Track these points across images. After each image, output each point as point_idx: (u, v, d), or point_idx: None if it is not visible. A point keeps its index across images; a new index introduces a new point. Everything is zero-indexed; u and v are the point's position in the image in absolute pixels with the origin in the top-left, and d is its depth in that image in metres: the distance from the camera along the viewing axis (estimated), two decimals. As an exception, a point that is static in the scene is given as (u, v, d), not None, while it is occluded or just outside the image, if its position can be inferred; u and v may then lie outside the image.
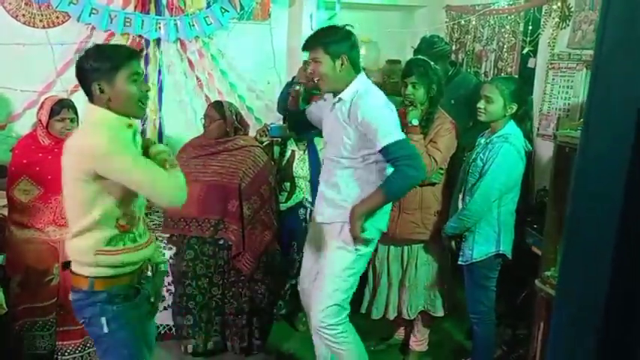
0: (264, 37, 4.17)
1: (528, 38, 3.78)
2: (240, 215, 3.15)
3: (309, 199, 3.47)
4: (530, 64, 3.83)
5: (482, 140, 2.87)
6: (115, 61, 1.91)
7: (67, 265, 2.11)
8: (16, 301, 2.89)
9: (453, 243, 2.93)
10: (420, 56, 3.18)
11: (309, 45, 2.49)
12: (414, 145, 2.56)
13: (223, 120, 3.21)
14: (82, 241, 1.98)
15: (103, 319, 2.00)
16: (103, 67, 1.89)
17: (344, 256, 2.55)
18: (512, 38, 4.01)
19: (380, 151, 2.40)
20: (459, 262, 2.88)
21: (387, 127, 2.40)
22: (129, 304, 2.05)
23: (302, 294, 2.89)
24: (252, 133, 3.49)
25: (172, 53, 4.04)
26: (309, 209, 3.44)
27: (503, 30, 4.13)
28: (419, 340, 3.29)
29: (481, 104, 2.80)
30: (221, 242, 3.17)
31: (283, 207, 3.47)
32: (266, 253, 3.25)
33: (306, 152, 3.53)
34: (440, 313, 3.15)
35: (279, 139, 3.50)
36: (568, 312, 1.00)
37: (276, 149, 3.56)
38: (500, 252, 2.80)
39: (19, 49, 3.62)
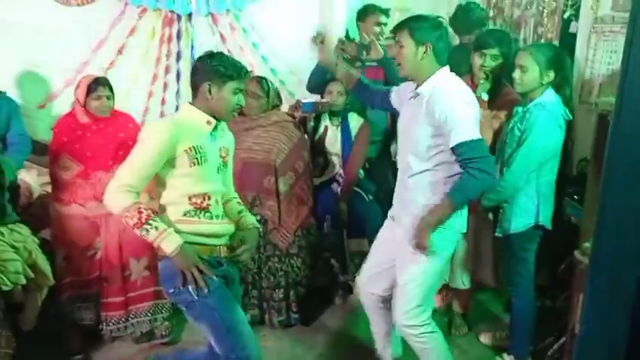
0: (296, 8, 4.16)
1: (570, 2, 3.70)
2: (276, 191, 3.22)
3: (342, 174, 3.53)
4: (572, 28, 3.74)
5: (520, 109, 2.82)
6: (231, 72, 2.24)
7: None
8: (61, 274, 3.04)
9: (490, 215, 2.94)
10: (498, 28, 3.15)
11: (397, 28, 2.47)
12: (487, 147, 2.44)
13: (266, 96, 3.26)
14: (164, 213, 2.26)
15: (189, 287, 2.19)
16: (220, 73, 2.23)
17: (421, 260, 2.47)
18: (553, 2, 3.92)
19: (452, 149, 2.34)
20: (496, 234, 2.89)
21: (464, 125, 2.31)
22: (214, 270, 2.25)
23: (360, 285, 2.83)
24: (284, 107, 3.54)
25: (204, 27, 4.07)
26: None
27: (543, -7, 4.06)
28: (460, 305, 3.38)
29: (516, 74, 2.75)
30: (257, 217, 3.22)
31: (316, 182, 3.53)
32: (301, 228, 3.32)
33: (339, 128, 3.57)
34: (491, 284, 3.20)
35: (312, 115, 3.54)
36: (601, 280, 1.02)
37: (309, 125, 3.61)
38: (540, 224, 2.80)
39: (55, 28, 3.70)
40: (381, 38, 3.78)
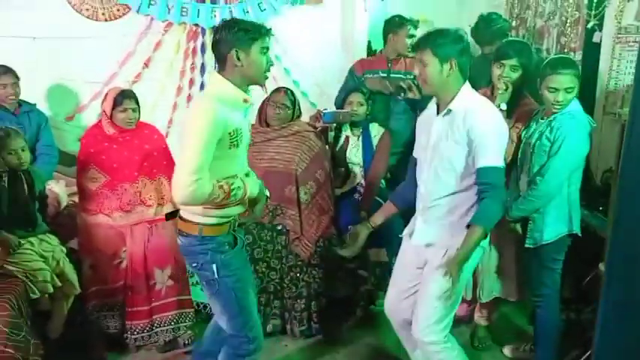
0: (317, 20, 4.22)
1: (593, 12, 3.66)
2: (297, 200, 3.25)
3: (364, 184, 3.55)
4: (596, 38, 3.72)
5: (540, 118, 2.84)
6: (253, 33, 2.19)
7: (170, 215, 2.58)
8: (87, 283, 3.11)
9: (518, 226, 2.93)
10: (519, 39, 3.16)
11: (418, 46, 2.42)
12: (504, 178, 2.45)
13: (292, 108, 3.32)
14: None
15: (214, 266, 2.28)
16: (243, 37, 2.17)
17: (445, 279, 2.44)
18: (576, 12, 3.89)
19: (477, 170, 2.34)
20: (527, 245, 2.87)
21: (494, 150, 2.33)
22: (233, 251, 2.36)
23: (388, 312, 2.80)
24: (305, 117, 3.58)
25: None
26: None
27: (566, 4, 4.01)
28: (482, 315, 3.36)
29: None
30: (279, 227, 3.26)
31: (338, 192, 3.55)
32: (323, 238, 3.34)
33: (361, 138, 3.60)
34: (514, 297, 3.18)
35: (334, 125, 3.57)
36: (617, 292, 1.03)
37: (331, 135, 3.63)
38: (573, 232, 2.81)
39: (84, 42, 3.84)
40: (410, 50, 3.77)
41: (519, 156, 2.93)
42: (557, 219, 2.78)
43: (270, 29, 2.29)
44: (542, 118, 2.85)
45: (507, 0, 4.54)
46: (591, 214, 3.17)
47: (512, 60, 2.92)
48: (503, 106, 2.87)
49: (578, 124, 2.70)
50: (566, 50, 4.01)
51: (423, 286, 2.55)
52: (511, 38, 3.24)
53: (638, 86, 1.03)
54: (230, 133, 2.19)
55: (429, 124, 2.52)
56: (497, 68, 2.96)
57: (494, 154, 2.33)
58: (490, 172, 2.32)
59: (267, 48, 2.25)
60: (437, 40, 2.36)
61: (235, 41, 2.18)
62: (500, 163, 2.33)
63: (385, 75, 3.84)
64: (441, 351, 2.54)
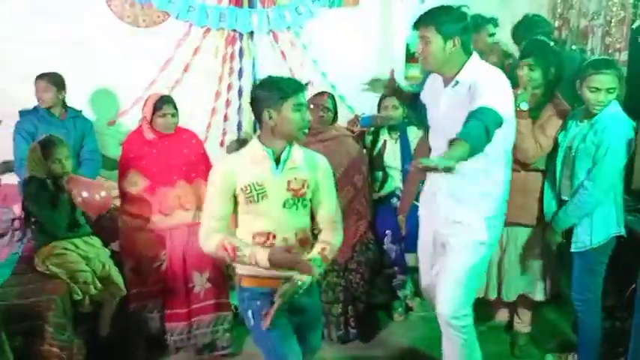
0: (355, 23, 4.21)
1: (639, 11, 3.57)
2: (335, 205, 3.26)
3: (402, 188, 3.53)
4: (643, 38, 3.62)
5: (579, 122, 2.83)
6: (284, 92, 2.18)
7: None
8: (128, 285, 3.17)
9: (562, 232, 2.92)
10: (540, 37, 3.14)
11: (421, 22, 2.40)
12: (496, 126, 2.25)
13: (334, 111, 3.35)
14: None
15: (250, 313, 2.29)
16: (273, 96, 2.17)
17: (473, 251, 2.51)
18: (621, 11, 3.81)
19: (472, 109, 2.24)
20: (574, 250, 2.83)
21: (491, 93, 2.25)
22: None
23: (425, 292, 2.90)
24: (342, 121, 3.58)
25: (265, 45, 4.19)
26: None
27: (610, 3, 3.92)
28: (522, 322, 3.31)
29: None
30: (315, 232, 3.27)
31: (375, 196, 3.54)
32: (360, 243, 3.34)
33: (398, 142, 3.57)
34: (540, 297, 3.15)
35: (371, 129, 3.56)
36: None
37: (368, 139, 3.63)
38: (620, 233, 2.80)
39: (125, 49, 3.92)
40: (492, 51, 3.76)
41: (559, 160, 2.90)
42: (607, 221, 2.77)
43: (306, 84, 2.28)
44: (580, 121, 2.83)
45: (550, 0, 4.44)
46: (635, 218, 3.10)
47: (529, 59, 2.91)
48: (524, 106, 2.84)
49: (623, 126, 2.70)
50: (610, 50, 3.91)
51: (446, 260, 2.58)
52: (533, 38, 3.19)
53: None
54: (242, 189, 2.20)
55: (437, 96, 2.54)
56: (519, 69, 2.95)
57: (492, 97, 2.23)
58: (483, 109, 2.18)
59: (302, 104, 2.21)
60: (441, 18, 2.35)
61: (266, 101, 2.18)
62: (497, 108, 2.19)
63: None
64: (465, 327, 2.56)
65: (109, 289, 3.05)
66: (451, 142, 2.12)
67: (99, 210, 3.04)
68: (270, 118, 2.18)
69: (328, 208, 2.38)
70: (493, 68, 2.49)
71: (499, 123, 2.20)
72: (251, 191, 2.20)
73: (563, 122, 2.92)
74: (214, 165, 2.32)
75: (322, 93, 3.41)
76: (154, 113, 3.16)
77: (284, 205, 2.24)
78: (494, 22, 3.80)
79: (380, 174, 3.62)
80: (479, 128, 2.13)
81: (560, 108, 2.96)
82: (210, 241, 2.23)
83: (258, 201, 2.20)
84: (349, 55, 4.15)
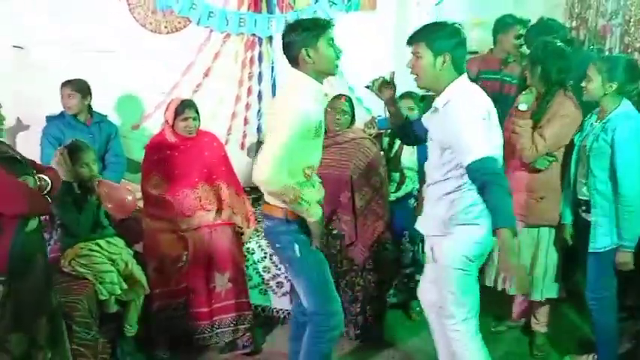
0: (372, 26, 4.22)
1: (658, 10, 3.53)
2: (353, 206, 3.26)
3: (419, 189, 3.53)
4: (662, 37, 3.57)
5: (594, 121, 2.84)
6: (317, 29, 2.32)
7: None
8: (152, 285, 3.22)
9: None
10: (546, 38, 3.13)
11: (413, 38, 2.41)
12: (500, 164, 2.32)
13: (351, 113, 3.39)
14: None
15: (297, 246, 2.43)
16: (309, 35, 2.31)
17: (454, 274, 2.45)
18: (640, 10, 3.79)
19: (466, 169, 2.24)
20: (592, 250, 2.81)
21: (475, 142, 2.21)
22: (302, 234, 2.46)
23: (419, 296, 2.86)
24: (359, 122, 3.58)
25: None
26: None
27: (629, 2, 3.90)
28: (540, 322, 3.29)
29: (583, 82, 2.82)
30: (334, 232, 3.28)
31: (392, 197, 3.54)
32: (378, 243, 3.33)
33: (415, 144, 3.58)
34: (554, 294, 3.14)
35: (388, 131, 3.57)
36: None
37: (385, 140, 3.63)
38: None
39: (148, 54, 3.99)
40: (519, 52, 3.79)
41: (573, 160, 2.91)
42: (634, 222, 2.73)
43: (331, 20, 2.41)
44: (596, 120, 2.84)
45: (568, 0, 4.40)
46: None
47: (532, 61, 2.96)
48: (522, 107, 2.89)
49: (633, 124, 2.71)
50: (630, 50, 3.87)
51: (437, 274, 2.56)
52: (539, 40, 3.17)
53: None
54: (315, 127, 2.35)
55: (426, 120, 2.59)
56: (526, 71, 3.01)
57: (475, 146, 2.21)
58: (480, 164, 2.18)
59: (333, 39, 2.37)
60: (432, 34, 2.35)
61: (303, 41, 2.31)
62: (486, 152, 2.18)
63: (498, 76, 3.82)
64: (456, 326, 2.50)
65: (133, 288, 3.11)
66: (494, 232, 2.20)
67: (126, 213, 3.10)
68: (309, 56, 2.32)
69: None
70: (467, 94, 2.38)
71: (496, 160, 2.25)
72: (319, 127, 2.38)
73: (570, 121, 2.91)
74: (289, 104, 2.33)
75: (340, 96, 3.42)
76: (175, 117, 3.21)
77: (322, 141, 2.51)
78: (524, 23, 3.78)
79: (397, 175, 3.62)
80: (501, 202, 2.16)
81: (571, 105, 2.93)
82: (278, 182, 2.28)
83: (320, 135, 2.41)
84: (367, 57, 4.13)
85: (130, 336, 3.14)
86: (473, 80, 3.71)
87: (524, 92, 2.94)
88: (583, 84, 2.82)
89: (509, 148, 2.86)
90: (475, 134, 2.23)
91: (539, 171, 2.97)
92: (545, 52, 2.95)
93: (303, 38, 2.31)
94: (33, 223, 2.30)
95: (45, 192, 2.31)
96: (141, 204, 3.37)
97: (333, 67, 2.40)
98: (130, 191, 3.05)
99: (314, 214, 2.39)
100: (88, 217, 3.03)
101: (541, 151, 2.90)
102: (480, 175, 2.19)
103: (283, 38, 2.40)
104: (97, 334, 2.89)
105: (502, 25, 3.85)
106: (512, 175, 2.92)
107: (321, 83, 2.42)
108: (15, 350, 2.22)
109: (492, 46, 3.98)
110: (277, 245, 2.54)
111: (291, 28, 2.37)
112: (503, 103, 3.71)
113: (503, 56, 3.85)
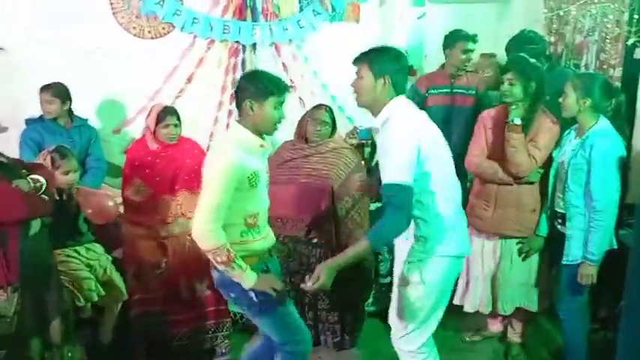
0: (356, 37, 4.20)
1: (634, 28, 3.55)
2: (333, 215, 3.25)
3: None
4: (636, 55, 3.60)
5: (573, 138, 2.89)
6: (271, 89, 2.31)
7: None
8: (130, 291, 3.18)
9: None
10: (521, 54, 3.15)
11: (358, 59, 2.42)
12: (410, 196, 2.24)
13: (331, 124, 3.35)
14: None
15: (252, 292, 2.35)
16: (258, 90, 2.30)
17: (410, 286, 2.44)
18: (616, 28, 3.76)
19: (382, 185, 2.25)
20: (565, 262, 2.84)
21: (397, 163, 2.22)
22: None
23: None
24: (342, 132, 3.59)
25: (267, 57, 4.21)
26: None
27: (605, 20, 3.88)
28: (516, 332, 3.31)
29: (561, 98, 2.86)
30: (314, 241, 3.27)
31: (373, 207, 3.53)
32: (358, 252, 3.33)
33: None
34: (535, 308, 3.16)
35: (369, 141, 3.57)
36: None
37: (367, 151, 3.64)
38: (614, 246, 2.83)
39: (131, 59, 3.94)
40: (467, 66, 3.79)
41: (552, 175, 2.95)
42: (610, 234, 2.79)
43: (291, 86, 2.38)
44: (575, 137, 2.89)
45: (546, 15, 4.45)
46: (628, 232, 3.10)
47: (508, 74, 2.95)
48: (517, 121, 2.90)
49: (610, 142, 2.75)
50: (605, 66, 3.91)
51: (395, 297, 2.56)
52: (514, 54, 3.25)
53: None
54: (249, 177, 2.31)
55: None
56: (502, 83, 3.00)
57: (393, 169, 2.22)
58: (388, 188, 2.21)
59: (282, 103, 2.37)
60: (374, 57, 2.37)
61: (251, 92, 2.31)
62: (399, 179, 2.19)
63: (449, 90, 3.84)
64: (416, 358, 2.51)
65: (111, 294, 3.06)
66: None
67: (106, 219, 3.07)
68: (251, 109, 2.31)
69: None
70: (402, 115, 2.35)
71: (405, 189, 2.20)
72: (254, 177, 2.32)
73: (553, 134, 2.96)
74: (215, 157, 2.33)
75: (320, 106, 3.39)
76: (157, 124, 3.16)
77: (265, 187, 2.47)
78: (471, 38, 3.80)
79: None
80: (387, 227, 2.25)
81: (550, 120, 3.00)
82: (212, 238, 2.25)
83: (256, 186, 2.35)
84: (349, 67, 4.14)
85: (105, 342, 3.09)
86: (423, 96, 3.78)
87: (513, 107, 2.95)
88: (560, 100, 2.86)
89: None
90: (396, 157, 2.23)
91: (527, 184, 3.00)
92: (522, 66, 2.97)
93: (254, 91, 2.31)
94: (36, 226, 2.28)
95: (41, 192, 2.26)
96: (121, 209, 3.32)
97: (271, 129, 2.38)
98: (111, 197, 3.00)
99: (247, 279, 2.32)
100: (66, 224, 2.98)
101: (539, 162, 2.93)
102: (386, 197, 2.24)
103: (239, 80, 2.41)
104: (73, 340, 2.84)
105: (449, 40, 3.88)
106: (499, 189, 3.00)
107: (261, 137, 2.38)
108: (35, 355, 2.20)
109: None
110: (232, 295, 2.47)
111: (247, 76, 2.39)
112: (458, 115, 3.79)
113: (453, 70, 3.86)
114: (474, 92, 3.81)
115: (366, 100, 2.41)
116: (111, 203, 2.95)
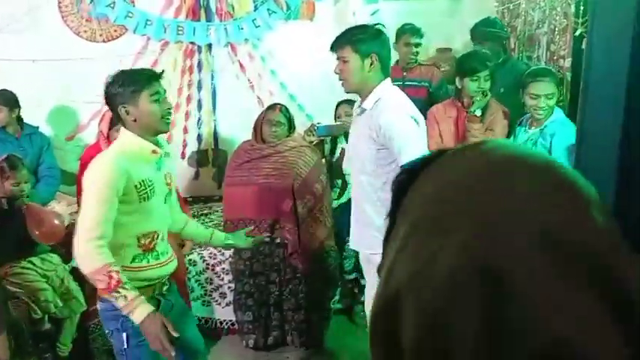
0: (311, 34, 4.18)
1: (581, 19, 3.61)
2: (295, 214, 3.21)
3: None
4: (585, 45, 3.67)
5: (528, 128, 2.95)
6: (137, 84, 2.01)
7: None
8: (89, 301, 3.06)
9: None
10: (481, 50, 3.29)
11: (337, 43, 2.33)
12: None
13: (288, 124, 3.29)
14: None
15: (124, 335, 2.00)
16: (126, 90, 2.00)
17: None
18: (564, 20, 3.82)
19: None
20: None
21: (409, 143, 2.20)
22: None
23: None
24: (301, 130, 3.54)
25: (224, 57, 4.15)
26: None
27: (554, 12, 3.95)
28: None
29: (533, 100, 2.92)
30: (277, 241, 3.22)
31: (335, 204, 3.51)
32: (321, 250, 3.29)
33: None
34: None
35: (329, 137, 3.54)
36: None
37: (326, 147, 3.60)
38: None
39: (83, 63, 3.80)
40: (412, 59, 3.78)
41: None
42: None
43: (160, 73, 2.11)
44: (529, 127, 2.96)
45: (497, 9, 4.50)
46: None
47: (485, 71, 3.03)
48: (478, 112, 2.99)
49: (569, 131, 2.78)
50: (555, 57, 3.96)
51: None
52: (471, 50, 3.35)
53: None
54: (136, 186, 1.99)
55: (353, 122, 2.55)
56: (473, 81, 3.03)
57: (411, 147, 2.18)
58: None
59: (159, 93, 2.05)
60: (356, 36, 2.31)
61: (121, 96, 2.01)
62: (417, 154, 2.18)
63: (400, 83, 3.83)
64: None
65: (69, 305, 2.95)
66: None
67: (55, 240, 2.93)
68: (128, 113, 2.01)
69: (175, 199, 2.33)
70: (399, 98, 2.37)
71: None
72: (145, 188, 2.01)
73: (506, 124, 3.06)
74: (95, 163, 1.99)
75: (274, 107, 3.31)
76: (110, 128, 3.05)
77: (165, 201, 2.15)
78: (415, 32, 3.80)
79: (339, 182, 3.59)
80: None
81: (502, 110, 3.10)
82: (93, 260, 1.88)
83: (149, 198, 2.03)
84: (307, 65, 4.14)
85: (63, 356, 2.97)
86: None
87: (477, 99, 3.01)
88: (529, 99, 2.92)
89: None
90: (407, 134, 2.22)
91: None
92: (488, 61, 3.08)
93: (121, 94, 2.00)
94: None
95: None
96: (76, 217, 3.20)
97: (159, 125, 2.05)
98: (59, 215, 2.88)
99: (137, 312, 1.88)
100: (15, 235, 2.85)
101: None
102: None
103: (104, 91, 2.07)
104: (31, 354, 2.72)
105: (396, 35, 3.88)
106: None
107: (157, 142, 2.08)
108: None
109: (423, 54, 4.04)
110: (107, 332, 2.11)
111: (112, 81, 2.04)
112: None
113: (404, 64, 3.87)
114: (427, 84, 3.81)
115: (355, 82, 2.33)
116: (57, 222, 2.82)
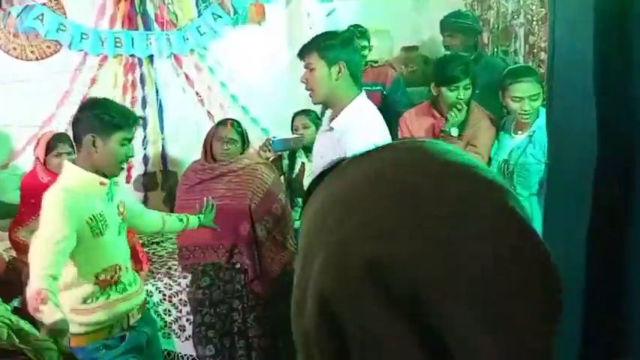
0: (262, 40, 4.48)
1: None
2: (254, 237, 3.44)
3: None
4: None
5: (514, 133, 3.08)
6: (119, 121, 2.25)
7: None
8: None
9: None
10: (460, 53, 3.40)
11: (304, 50, 2.50)
12: None
13: (241, 140, 3.47)
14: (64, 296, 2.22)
15: None
16: (106, 123, 2.24)
17: None
18: (542, 9, 4.07)
19: None
20: None
21: None
22: (112, 352, 2.35)
23: None
24: (256, 145, 3.81)
25: (167, 70, 4.41)
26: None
27: (529, 1, 4.22)
28: None
29: (518, 103, 3.04)
30: (237, 266, 3.44)
31: (297, 224, 3.71)
32: (285, 274, 3.50)
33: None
34: None
35: (287, 152, 3.81)
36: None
37: (285, 163, 3.86)
38: None
39: (15, 84, 4.02)
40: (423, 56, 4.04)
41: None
42: None
43: (140, 118, 2.38)
44: (515, 133, 3.09)
45: (466, 2, 4.79)
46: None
47: (465, 80, 3.12)
48: (454, 132, 3.10)
49: None
50: (535, 50, 4.24)
51: None
52: (449, 54, 3.54)
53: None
54: (88, 222, 2.21)
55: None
56: (451, 91, 3.13)
57: None
58: None
59: (130, 139, 2.31)
60: (324, 42, 2.46)
61: (95, 125, 2.22)
62: None
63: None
64: None
65: (28, 343, 3.17)
66: None
67: None
68: (94, 145, 2.23)
69: (139, 206, 2.75)
70: (371, 120, 2.51)
71: None
72: (97, 222, 2.22)
73: (492, 133, 3.15)
74: (46, 207, 2.20)
75: (225, 122, 3.50)
76: (47, 153, 3.30)
77: (119, 232, 2.39)
78: (362, 34, 4.05)
79: (300, 200, 3.85)
80: None
81: (487, 117, 3.19)
82: (47, 306, 2.01)
83: (102, 233, 2.25)
84: (259, 75, 4.39)
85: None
86: None
87: (452, 114, 3.11)
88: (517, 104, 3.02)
89: None
90: None
91: None
92: (469, 68, 3.18)
93: (99, 123, 2.22)
94: None
95: None
96: (12, 253, 3.45)
97: (114, 168, 2.32)
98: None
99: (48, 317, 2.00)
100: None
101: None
102: None
103: (77, 111, 2.34)
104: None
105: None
106: None
107: (105, 175, 2.32)
108: None
109: (388, 54, 4.33)
110: None
111: (90, 105, 2.31)
112: None
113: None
114: (380, 88, 4.05)
115: (322, 93, 2.47)
116: None
